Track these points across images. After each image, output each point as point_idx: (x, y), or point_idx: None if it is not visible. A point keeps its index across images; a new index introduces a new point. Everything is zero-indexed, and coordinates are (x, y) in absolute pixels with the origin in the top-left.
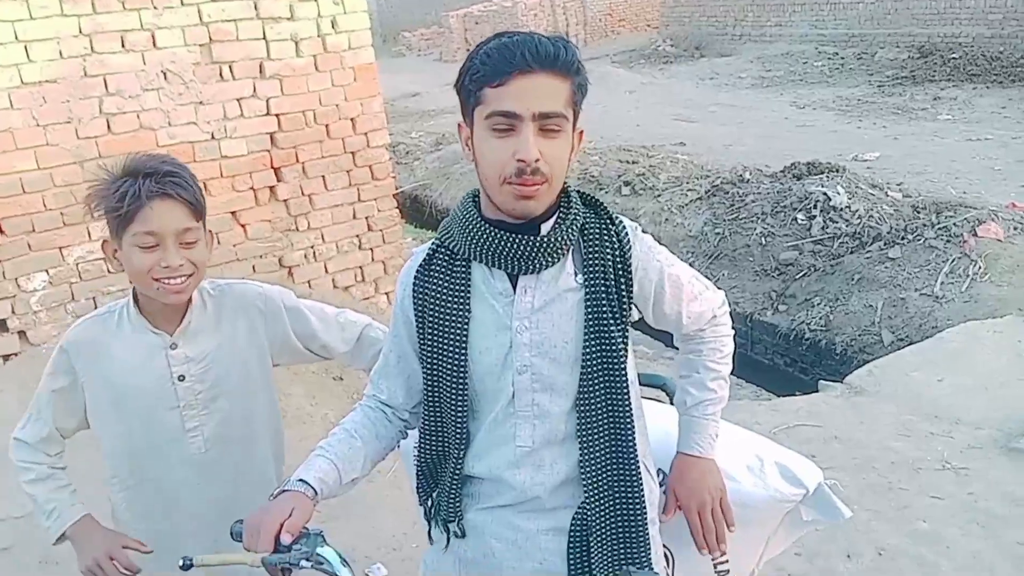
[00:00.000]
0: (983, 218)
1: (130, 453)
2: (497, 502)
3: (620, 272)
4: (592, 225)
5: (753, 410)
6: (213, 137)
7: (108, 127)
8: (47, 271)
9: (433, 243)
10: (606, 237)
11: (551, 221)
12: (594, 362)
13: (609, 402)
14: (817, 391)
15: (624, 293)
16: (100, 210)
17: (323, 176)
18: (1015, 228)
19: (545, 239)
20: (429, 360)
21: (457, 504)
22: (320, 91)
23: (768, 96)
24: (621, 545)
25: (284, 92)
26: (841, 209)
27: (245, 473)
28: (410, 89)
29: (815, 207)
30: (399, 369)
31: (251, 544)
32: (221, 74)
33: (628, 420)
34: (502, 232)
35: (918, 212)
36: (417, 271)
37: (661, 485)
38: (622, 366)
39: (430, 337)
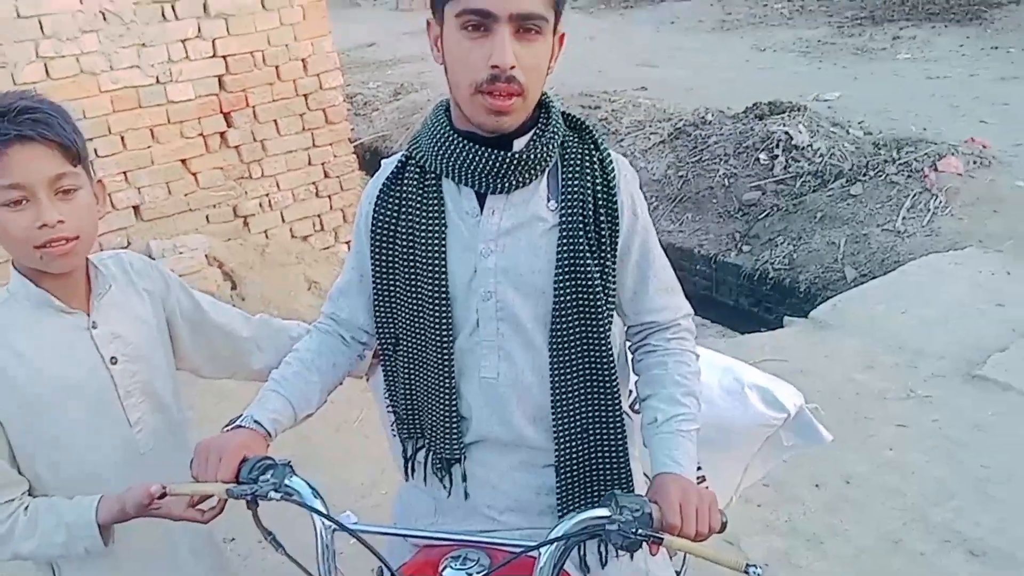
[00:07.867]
0: (943, 153)
1: (67, 468)
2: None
3: (602, 204)
4: (573, 147)
5: (717, 347)
6: (158, 81)
7: (47, 72)
8: None
9: (402, 155)
10: (587, 163)
11: (526, 137)
12: (567, 298)
13: (585, 344)
14: (782, 328)
15: (606, 228)
16: None
17: (275, 120)
18: (974, 162)
19: (516, 156)
20: (404, 283)
21: (459, 440)
22: (268, 31)
23: (729, 39)
24: (601, 484)
25: (231, 32)
26: (803, 148)
27: (183, 472)
28: (366, 39)
29: (777, 146)
30: (362, 288)
31: (203, 473)
32: (163, 14)
33: (606, 364)
34: (471, 144)
35: (879, 149)
36: (384, 185)
37: None
38: (599, 306)
39: (402, 258)
